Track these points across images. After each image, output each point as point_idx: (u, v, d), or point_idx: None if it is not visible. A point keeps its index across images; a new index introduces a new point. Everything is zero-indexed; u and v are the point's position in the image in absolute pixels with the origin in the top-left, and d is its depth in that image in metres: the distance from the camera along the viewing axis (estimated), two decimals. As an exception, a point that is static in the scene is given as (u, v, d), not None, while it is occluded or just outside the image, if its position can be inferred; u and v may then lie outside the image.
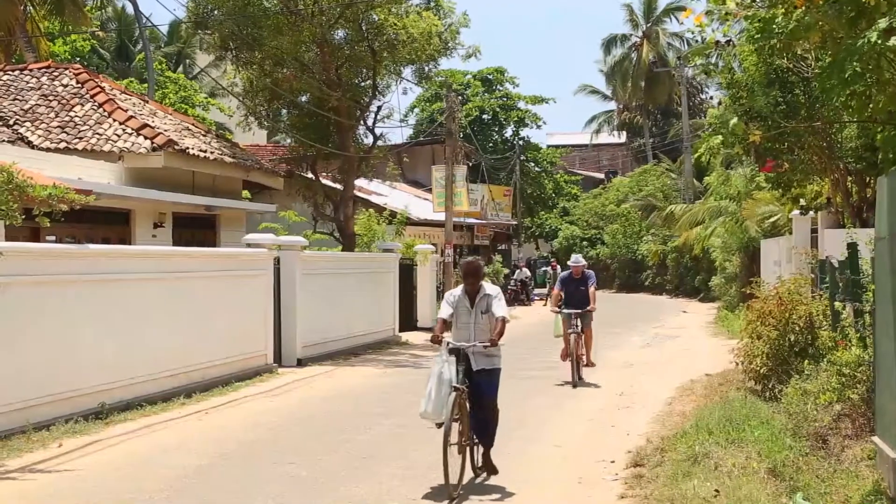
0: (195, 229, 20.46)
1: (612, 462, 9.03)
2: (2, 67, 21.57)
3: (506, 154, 51.49)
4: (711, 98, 33.51)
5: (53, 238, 14.21)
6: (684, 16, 8.64)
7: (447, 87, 37.52)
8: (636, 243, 48.73)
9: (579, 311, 14.67)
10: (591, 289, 14.92)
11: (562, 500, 7.91)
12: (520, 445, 9.80)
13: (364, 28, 21.59)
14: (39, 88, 20.12)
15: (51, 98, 19.80)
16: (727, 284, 30.42)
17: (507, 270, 41.07)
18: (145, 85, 30.06)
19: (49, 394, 10.49)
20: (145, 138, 18.36)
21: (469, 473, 8.09)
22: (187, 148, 18.93)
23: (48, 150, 17.55)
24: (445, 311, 8.31)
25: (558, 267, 41.83)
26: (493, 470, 8.33)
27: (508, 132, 53.17)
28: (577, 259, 15.47)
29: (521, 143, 52.58)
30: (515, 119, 52.32)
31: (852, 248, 9.84)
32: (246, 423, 11.44)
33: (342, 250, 22.90)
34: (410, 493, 7.81)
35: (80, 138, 18.51)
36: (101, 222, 17.14)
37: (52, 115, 19.27)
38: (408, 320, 24.10)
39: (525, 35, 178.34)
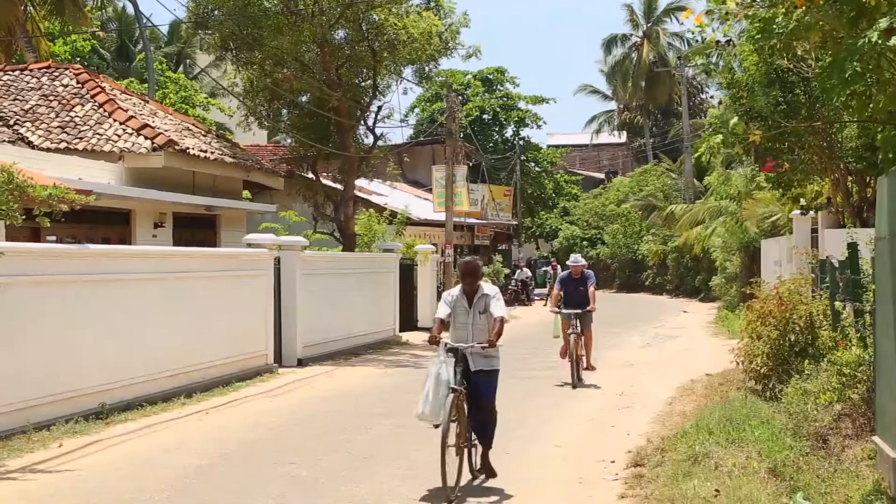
0: (195, 229, 20.46)
1: (613, 462, 9.03)
2: (2, 67, 21.58)
3: (506, 154, 51.48)
4: (712, 98, 33.54)
5: (54, 238, 14.21)
6: (684, 16, 8.64)
7: (447, 87, 37.51)
8: (636, 243, 48.74)
9: (579, 311, 14.55)
10: (591, 289, 14.78)
11: (562, 500, 7.90)
12: (520, 445, 9.80)
13: (364, 28, 21.58)
14: (40, 88, 20.13)
15: (51, 98, 19.80)
16: (727, 284, 30.42)
17: (507, 270, 41.06)
18: (146, 85, 30.06)
19: (49, 394, 10.50)
20: (146, 138, 18.36)
21: (467, 475, 8.01)
22: (188, 148, 18.93)
23: (48, 150, 17.56)
24: (443, 311, 8.21)
25: (558, 267, 41.82)
26: (491, 472, 8.23)
27: (509, 132, 53.20)
28: (575, 259, 15.32)
29: (521, 143, 52.59)
30: (516, 119, 52.32)
31: (852, 247, 9.83)
32: (246, 423, 11.44)
33: (342, 250, 22.90)
34: (411, 493, 7.81)
35: (81, 138, 18.51)
36: (101, 222, 17.15)
37: (53, 115, 19.27)
38: (408, 320, 24.11)
39: (525, 35, 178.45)
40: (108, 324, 11.63)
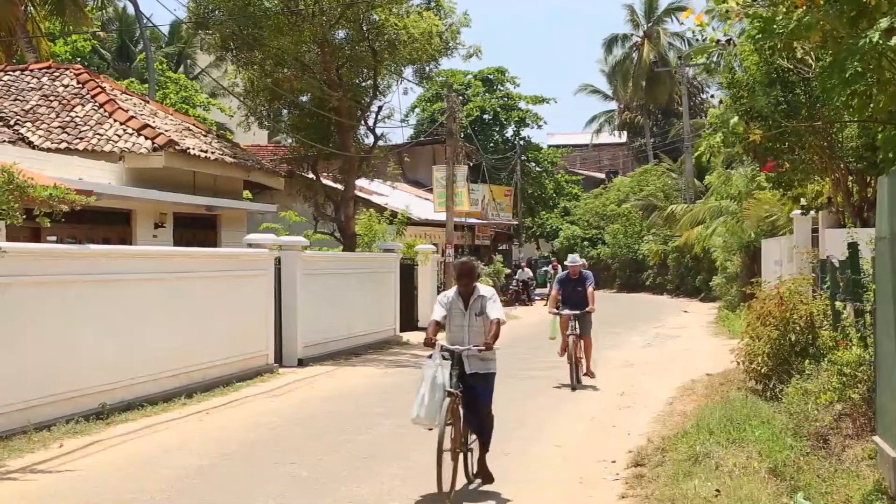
0: (196, 229, 20.47)
1: (613, 462, 9.03)
2: (3, 68, 21.59)
3: (507, 154, 51.48)
4: (712, 97, 33.46)
5: (54, 238, 14.22)
6: (685, 15, 8.63)
7: (448, 87, 37.50)
8: (637, 243, 48.74)
9: (577, 312, 14.25)
10: (590, 289, 14.42)
11: (562, 500, 7.90)
12: (520, 445, 9.80)
13: (365, 28, 21.59)
14: (40, 89, 20.13)
15: (51, 98, 19.80)
16: (728, 284, 30.41)
17: (508, 270, 41.06)
18: (146, 85, 30.07)
19: (50, 394, 10.50)
20: (146, 138, 18.36)
21: (462, 480, 7.91)
22: (188, 148, 18.93)
23: (49, 150, 17.56)
24: (438, 312, 8.02)
25: (559, 267, 41.83)
26: (488, 477, 8.05)
27: (509, 132, 53.20)
28: (573, 259, 15.00)
29: (521, 143, 52.59)
30: (516, 119, 52.32)
31: (853, 247, 9.83)
32: (247, 423, 11.44)
33: (343, 250, 22.90)
34: (411, 493, 7.81)
35: (81, 139, 18.52)
36: (101, 222, 17.15)
37: (53, 115, 19.27)
38: (409, 320, 24.11)
39: (526, 35, 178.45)
40: (108, 324, 11.63)
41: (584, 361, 14.48)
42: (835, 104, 10.55)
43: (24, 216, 9.77)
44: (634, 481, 8.15)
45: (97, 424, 10.82)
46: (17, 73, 20.95)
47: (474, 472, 8.09)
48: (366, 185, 30.83)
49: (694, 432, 9.37)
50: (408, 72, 23.95)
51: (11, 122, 18.83)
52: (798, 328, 11.17)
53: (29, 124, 18.91)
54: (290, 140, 26.59)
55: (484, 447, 8.06)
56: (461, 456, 7.85)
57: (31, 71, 20.97)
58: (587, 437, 10.64)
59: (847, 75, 6.60)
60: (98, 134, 18.62)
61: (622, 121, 64.48)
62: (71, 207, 9.94)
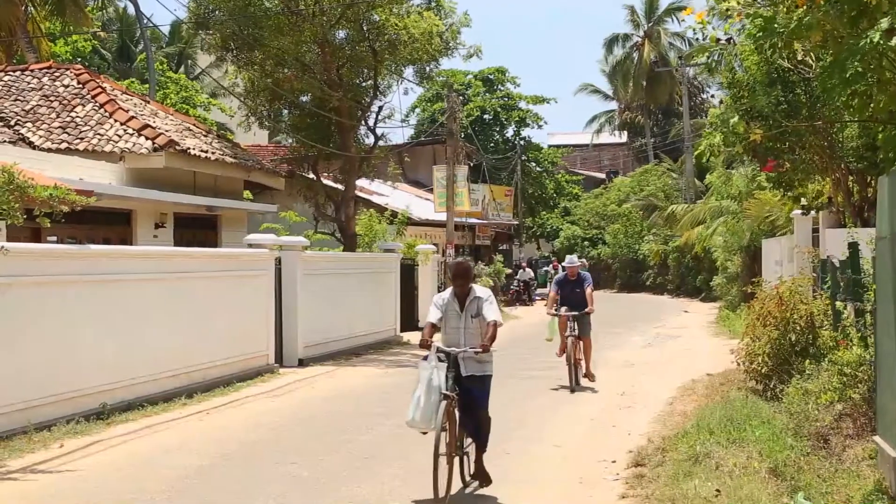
0: (196, 229, 20.47)
1: (614, 462, 9.02)
2: (3, 68, 21.60)
3: (507, 154, 51.49)
4: (713, 97, 33.47)
5: (54, 238, 14.22)
6: (685, 13, 8.63)
7: (448, 87, 37.52)
8: (637, 243, 48.74)
9: (576, 313, 14.04)
10: (588, 290, 14.17)
11: (562, 500, 7.90)
12: (520, 445, 9.80)
13: (365, 28, 21.59)
14: (41, 89, 20.14)
15: (52, 98, 19.81)
16: (728, 284, 30.41)
17: (509, 271, 41.05)
18: (146, 85, 30.08)
19: (50, 394, 10.50)
20: (146, 139, 18.37)
21: (458, 484, 7.80)
22: (188, 148, 18.93)
23: (49, 150, 17.56)
24: (434, 314, 7.91)
25: (559, 267, 41.80)
26: (486, 479, 7.94)
27: (509, 132, 53.20)
28: (571, 259, 14.85)
29: (522, 143, 52.59)
30: (516, 119, 52.31)
31: (853, 247, 9.83)
32: (247, 423, 11.44)
33: (343, 250, 22.91)
34: (412, 493, 7.80)
35: (82, 139, 18.52)
36: (102, 223, 17.15)
37: (54, 115, 19.27)
38: (409, 320, 24.10)
39: (526, 35, 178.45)
40: (109, 324, 11.64)
41: (583, 363, 14.31)
42: (835, 104, 10.54)
43: (25, 216, 9.77)
44: (635, 481, 8.14)
45: (97, 424, 10.82)
46: (18, 73, 20.96)
47: (471, 473, 8.00)
48: (366, 186, 30.84)
49: (694, 432, 9.37)
50: (408, 72, 23.99)
51: (12, 123, 18.83)
52: (798, 328, 11.17)
53: (29, 124, 18.92)
54: (290, 140, 26.60)
55: (481, 449, 7.96)
56: (457, 459, 7.74)
57: (32, 71, 20.97)
58: (587, 437, 10.64)
59: (847, 75, 6.60)
60: (98, 134, 18.63)
61: (622, 121, 64.48)
62: (71, 208, 9.94)
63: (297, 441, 10.28)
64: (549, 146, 58.45)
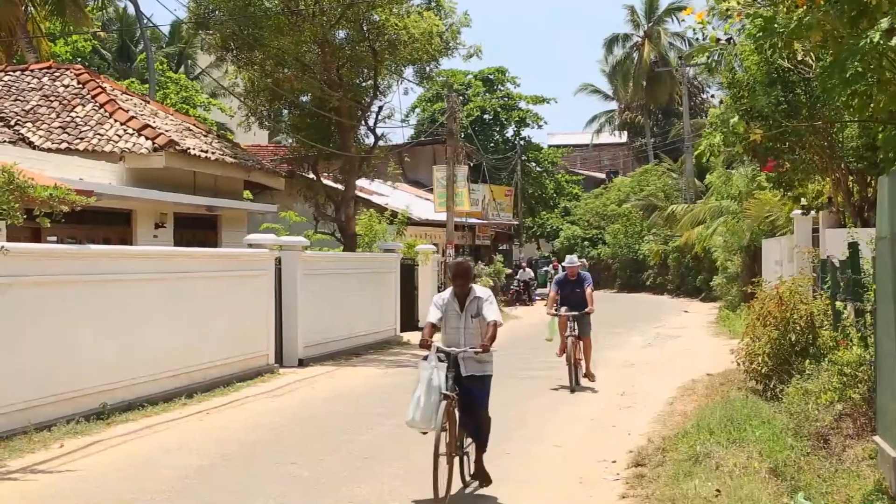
0: (196, 229, 20.47)
1: (614, 462, 9.02)
2: (3, 68, 21.59)
3: (507, 154, 51.50)
4: (713, 97, 33.48)
5: (54, 239, 14.22)
6: (685, 13, 8.62)
7: (448, 87, 37.52)
8: (637, 243, 48.74)
9: (576, 313, 13.99)
10: (588, 290, 14.12)
11: (563, 500, 7.90)
12: (520, 445, 9.80)
13: (365, 28, 21.59)
14: (41, 89, 20.14)
15: (52, 98, 19.81)
16: (728, 284, 30.41)
17: (509, 270, 41.05)
18: (146, 85, 30.09)
19: (50, 394, 10.50)
20: (146, 139, 18.37)
21: (458, 484, 7.77)
22: (188, 148, 18.93)
23: (49, 150, 17.57)
24: (434, 314, 7.89)
25: (560, 267, 41.80)
26: (486, 478, 7.91)
27: (510, 132, 53.21)
28: (571, 259, 14.80)
29: (522, 143, 52.60)
30: (516, 119, 52.32)
31: (853, 247, 9.83)
32: (247, 423, 11.44)
33: (343, 250, 22.91)
34: (412, 493, 7.80)
35: (82, 139, 18.52)
36: (102, 223, 17.15)
37: (54, 115, 19.28)
38: (409, 320, 24.11)
39: (526, 35, 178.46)
40: (108, 324, 11.64)
41: (583, 363, 14.28)
42: (835, 104, 10.54)
43: (25, 216, 9.77)
44: (635, 481, 8.14)
45: (98, 424, 10.82)
46: (18, 73, 20.96)
47: (471, 473, 7.98)
48: (366, 186, 30.84)
49: (694, 432, 9.37)
50: (408, 72, 23.99)
51: (12, 123, 18.83)
52: (798, 328, 11.17)
53: (29, 124, 18.92)
54: (290, 140, 26.61)
55: (481, 449, 7.94)
56: (457, 459, 7.72)
57: (32, 71, 20.98)
58: (587, 437, 10.64)
59: (847, 75, 6.60)
60: (98, 134, 18.63)
61: (622, 121, 64.48)
62: (71, 208, 9.94)
63: (297, 441, 10.28)
64: (549, 146, 58.45)
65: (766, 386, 11.36)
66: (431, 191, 36.19)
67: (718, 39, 8.67)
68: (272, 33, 20.54)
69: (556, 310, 14.28)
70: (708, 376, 14.38)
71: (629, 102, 62.72)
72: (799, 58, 11.41)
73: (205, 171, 20.10)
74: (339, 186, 24.31)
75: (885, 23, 6.30)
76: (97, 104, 19.50)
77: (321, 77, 21.71)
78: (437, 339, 7.86)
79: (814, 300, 11.97)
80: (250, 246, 16.36)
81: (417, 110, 51.75)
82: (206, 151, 19.74)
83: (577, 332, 13.97)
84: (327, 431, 10.84)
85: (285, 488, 8.13)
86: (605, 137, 66.38)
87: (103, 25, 39.33)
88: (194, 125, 22.45)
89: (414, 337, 22.27)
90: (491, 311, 7.77)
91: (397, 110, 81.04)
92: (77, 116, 19.25)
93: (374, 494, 7.91)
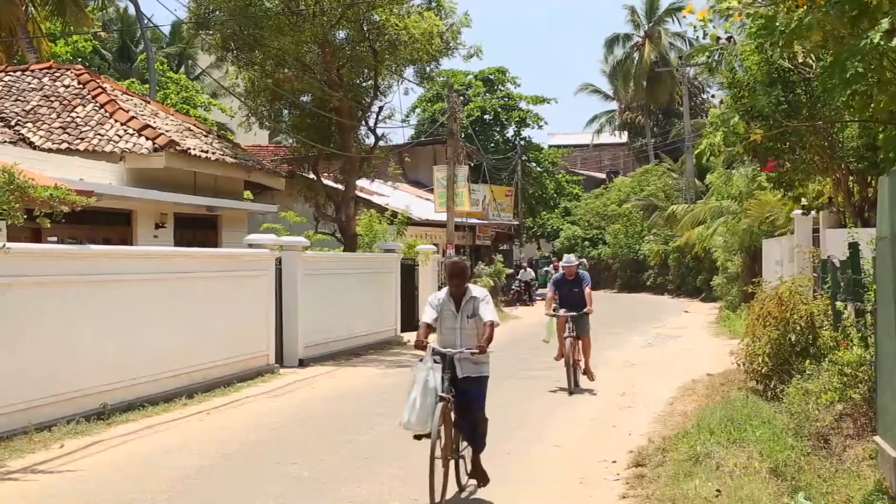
0: (197, 230, 20.48)
1: (614, 462, 9.02)
2: (3, 68, 21.61)
3: (507, 154, 51.51)
4: (713, 97, 33.50)
5: (55, 239, 14.23)
6: (686, 11, 8.60)
7: (449, 87, 37.55)
8: (638, 243, 48.75)
9: (574, 313, 13.88)
10: (587, 290, 13.98)
11: (563, 500, 7.89)
12: (520, 445, 9.80)
13: (365, 28, 21.60)
14: (41, 89, 20.15)
15: (52, 99, 19.82)
16: (729, 284, 30.41)
17: (509, 271, 41.04)
18: (147, 85, 30.11)
19: (51, 394, 10.50)
20: (147, 139, 18.37)
21: (453, 488, 7.64)
22: (189, 148, 18.94)
23: (50, 150, 17.57)
24: (429, 314, 7.70)
25: (560, 266, 41.75)
26: (483, 477, 7.81)
27: (510, 132, 53.23)
28: (569, 259, 14.68)
29: (522, 143, 52.61)
30: (517, 119, 52.34)
31: (854, 247, 9.83)
32: (248, 423, 11.45)
33: (344, 251, 22.92)
34: (412, 493, 7.80)
35: (82, 139, 18.53)
36: (102, 223, 17.16)
37: (54, 115, 19.28)
38: (409, 320, 24.05)
39: (526, 35, 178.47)
40: (109, 324, 11.64)
41: (582, 362, 14.16)
42: (836, 104, 10.54)
43: (25, 217, 9.77)
44: (635, 481, 8.14)
45: (98, 425, 10.82)
46: (18, 73, 20.97)
47: (468, 471, 7.85)
48: (366, 186, 30.84)
49: (695, 432, 9.37)
50: (408, 72, 24.01)
51: (12, 123, 18.84)
52: (798, 328, 11.16)
53: (30, 125, 18.92)
54: (290, 140, 26.62)
55: (478, 449, 7.82)
56: (452, 463, 7.59)
57: (32, 71, 20.99)
58: (588, 438, 10.63)
59: (848, 75, 6.60)
60: (99, 134, 18.63)
61: (623, 121, 64.48)
62: (71, 208, 9.93)
63: (297, 441, 10.28)
64: (550, 146, 58.48)
65: (766, 386, 11.36)
66: (432, 191, 36.21)
67: (719, 38, 8.66)
68: (272, 33, 20.55)
69: (554, 310, 14.16)
70: (708, 376, 14.37)
71: (629, 102, 62.71)
72: (800, 59, 11.42)
73: (205, 172, 20.11)
74: (340, 187, 24.32)
75: (885, 23, 6.30)
76: (97, 104, 19.51)
77: (321, 77, 21.71)
78: (433, 340, 7.75)
79: (814, 300, 11.96)
80: (251, 246, 16.36)
81: (418, 110, 51.79)
82: (207, 152, 19.75)
83: (575, 332, 13.85)
84: (327, 431, 10.84)
85: (285, 488, 8.13)
86: (606, 137, 66.39)
87: (104, 26, 39.35)
88: (195, 125, 22.46)
89: (414, 337, 22.26)
90: (487, 311, 7.64)
91: (398, 110, 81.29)
92: (77, 117, 19.25)
93: (374, 494, 7.91)
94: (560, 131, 70.95)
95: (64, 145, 18.24)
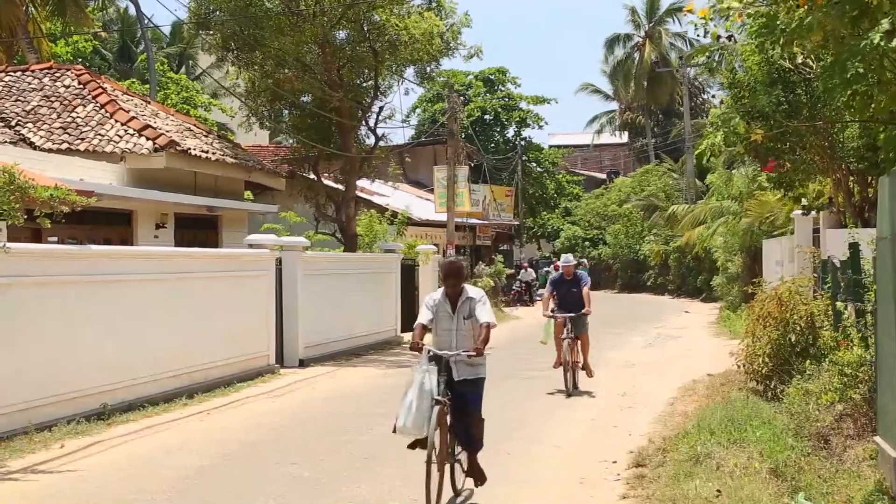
0: (197, 230, 20.48)
1: (614, 462, 9.02)
2: (4, 68, 21.61)
3: (508, 154, 51.52)
4: (713, 98, 33.51)
5: (55, 239, 14.22)
6: (687, 9, 8.59)
7: (449, 87, 37.56)
8: (638, 243, 48.75)
9: (573, 314, 13.74)
10: (585, 290, 13.77)
11: (563, 500, 7.89)
12: (520, 446, 9.80)
13: (366, 28, 21.60)
14: (41, 89, 20.15)
15: (53, 99, 19.82)
16: (729, 284, 30.40)
17: (509, 271, 41.03)
18: (147, 86, 30.11)
19: (51, 394, 10.51)
20: (147, 139, 18.38)
21: (448, 493, 7.52)
22: (189, 149, 18.94)
23: (50, 151, 17.58)
24: (425, 315, 7.53)
25: (560, 266, 41.71)
26: (480, 476, 7.66)
27: (510, 132, 53.25)
28: (567, 259, 14.52)
29: (522, 143, 52.61)
30: (517, 119, 52.35)
31: (854, 247, 9.83)
32: (248, 423, 11.45)
33: (344, 251, 22.92)
34: (412, 493, 7.79)
35: (82, 139, 18.53)
36: (102, 223, 17.16)
37: (54, 115, 19.28)
38: (410, 321, 23.98)
39: (526, 35, 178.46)
40: (109, 324, 11.64)
41: (580, 363, 13.94)
42: (836, 104, 10.55)
43: (26, 217, 9.77)
44: (635, 482, 8.14)
45: (98, 425, 10.82)
46: (19, 73, 20.98)
47: (464, 469, 7.76)
48: (367, 186, 30.85)
49: (695, 433, 9.37)
50: (409, 72, 24.00)
51: (13, 123, 18.84)
52: (799, 329, 11.16)
53: (30, 125, 18.93)
54: (291, 140, 26.63)
55: (475, 447, 7.71)
56: (448, 467, 7.46)
57: (33, 71, 20.99)
58: (588, 438, 10.63)
59: (848, 76, 6.60)
60: (99, 134, 18.63)
61: (623, 121, 64.47)
62: (72, 208, 9.94)
63: (297, 441, 10.28)
64: (550, 146, 58.48)
65: (766, 386, 11.35)
66: (432, 191, 36.21)
67: (720, 36, 8.65)
68: (273, 34, 20.55)
69: (552, 311, 14.00)
70: (708, 377, 14.37)
71: (630, 103, 62.70)
72: (799, 60, 11.42)
73: (205, 172, 20.11)
74: (340, 187, 24.32)
75: (885, 23, 6.30)
76: (98, 104, 19.51)
77: (322, 77, 21.71)
78: (429, 342, 7.63)
79: (814, 300, 11.96)
80: (251, 246, 16.36)
81: (418, 111, 51.81)
82: (207, 152, 19.75)
83: (573, 333, 13.70)
84: (328, 432, 10.84)
85: (286, 488, 8.13)
86: (606, 138, 66.36)
87: (104, 26, 39.35)
88: (195, 125, 22.47)
89: (414, 337, 22.30)
90: (484, 312, 7.47)
91: (398, 111, 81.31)
92: (78, 117, 19.26)
93: (374, 494, 7.91)
94: (560, 131, 70.98)
95: (64, 145, 18.25)
